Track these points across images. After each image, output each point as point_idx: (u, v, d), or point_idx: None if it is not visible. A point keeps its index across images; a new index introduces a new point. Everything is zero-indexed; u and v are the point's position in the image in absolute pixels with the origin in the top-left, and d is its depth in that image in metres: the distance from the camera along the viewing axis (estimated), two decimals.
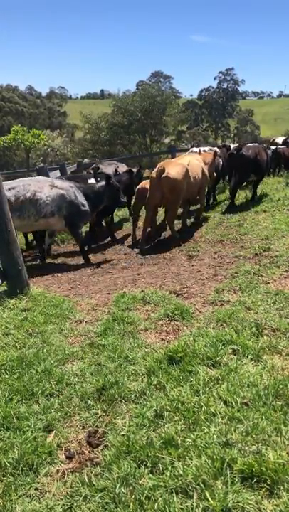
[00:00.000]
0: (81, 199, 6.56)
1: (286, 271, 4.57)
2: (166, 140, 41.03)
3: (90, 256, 6.94)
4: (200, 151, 9.15)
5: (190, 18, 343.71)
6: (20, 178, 6.47)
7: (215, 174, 8.82)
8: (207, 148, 10.22)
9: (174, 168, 6.93)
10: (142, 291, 4.38)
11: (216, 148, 9.74)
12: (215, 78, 75.90)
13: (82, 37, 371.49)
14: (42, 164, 22.60)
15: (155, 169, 7.01)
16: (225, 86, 75.29)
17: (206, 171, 7.87)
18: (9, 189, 5.83)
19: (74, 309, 4.08)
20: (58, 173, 10.00)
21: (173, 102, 38.41)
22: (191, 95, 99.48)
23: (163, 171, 6.78)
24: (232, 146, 10.53)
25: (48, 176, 8.75)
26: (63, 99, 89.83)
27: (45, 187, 6.23)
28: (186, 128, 60.45)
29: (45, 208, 6.14)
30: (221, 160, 9.36)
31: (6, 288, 4.50)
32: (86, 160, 21.84)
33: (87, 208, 6.61)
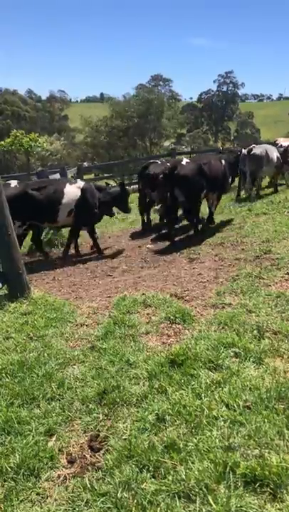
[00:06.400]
0: None
1: (287, 273, 4.57)
2: (166, 143, 41.17)
3: None
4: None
5: (189, 21, 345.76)
6: (264, 144, 10.75)
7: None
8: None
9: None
10: (143, 294, 4.37)
11: None
12: (214, 81, 76.04)
13: (82, 40, 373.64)
14: (41, 168, 22.63)
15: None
16: (225, 89, 75.42)
17: None
18: (265, 149, 9.62)
19: (75, 313, 4.07)
20: (58, 176, 10.01)
21: (173, 105, 38.54)
22: (191, 98, 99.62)
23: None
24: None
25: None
26: (64, 103, 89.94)
27: (274, 150, 10.00)
28: (186, 131, 60.61)
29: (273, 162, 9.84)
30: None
31: (6, 291, 4.50)
32: (85, 163, 21.86)
33: None
